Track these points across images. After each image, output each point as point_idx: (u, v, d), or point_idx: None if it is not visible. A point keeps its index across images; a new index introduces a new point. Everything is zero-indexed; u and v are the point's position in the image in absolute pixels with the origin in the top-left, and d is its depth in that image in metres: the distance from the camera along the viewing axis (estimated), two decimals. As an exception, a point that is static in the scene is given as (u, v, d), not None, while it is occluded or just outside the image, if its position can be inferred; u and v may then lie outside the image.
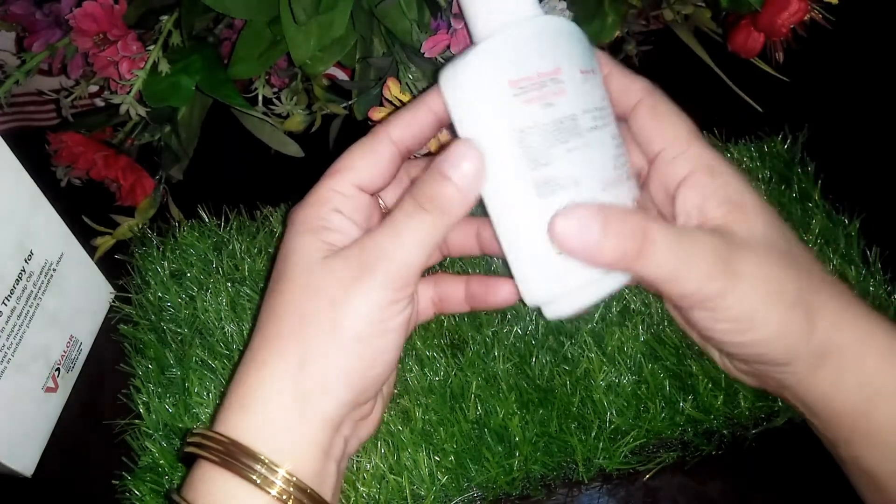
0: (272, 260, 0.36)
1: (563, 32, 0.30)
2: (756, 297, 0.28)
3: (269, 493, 0.28)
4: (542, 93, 0.28)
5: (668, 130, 0.31)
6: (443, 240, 0.30)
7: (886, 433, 0.29)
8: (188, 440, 0.30)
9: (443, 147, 0.31)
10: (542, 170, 0.28)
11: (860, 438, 0.29)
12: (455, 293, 0.35)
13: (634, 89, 0.32)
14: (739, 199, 0.30)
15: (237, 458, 0.28)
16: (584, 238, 0.27)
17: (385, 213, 0.34)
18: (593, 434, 0.37)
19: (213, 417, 0.30)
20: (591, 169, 0.29)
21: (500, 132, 0.28)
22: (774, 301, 0.28)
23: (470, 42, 0.32)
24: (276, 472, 0.28)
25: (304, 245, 0.30)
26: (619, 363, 0.39)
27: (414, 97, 0.39)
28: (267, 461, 0.28)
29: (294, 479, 0.28)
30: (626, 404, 0.37)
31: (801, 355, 0.29)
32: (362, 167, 0.31)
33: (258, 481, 0.28)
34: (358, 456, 0.36)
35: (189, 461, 0.30)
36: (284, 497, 0.28)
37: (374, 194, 0.32)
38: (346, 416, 0.30)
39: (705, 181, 0.30)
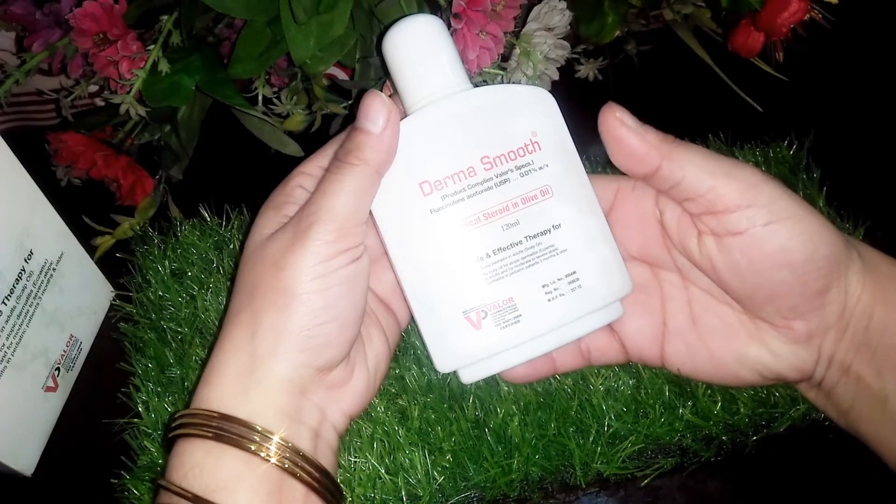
0: None
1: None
2: (793, 199, 0.31)
3: (268, 460, 0.28)
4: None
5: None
6: (374, 189, 0.31)
7: None
8: (173, 424, 0.30)
9: None
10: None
11: None
12: None
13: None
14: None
15: (226, 430, 0.28)
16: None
17: None
18: (591, 438, 0.36)
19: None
20: None
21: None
22: (809, 209, 0.31)
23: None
24: (270, 438, 0.29)
25: (262, 221, 0.32)
26: (617, 367, 0.38)
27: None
28: (261, 429, 0.29)
29: (290, 444, 0.29)
30: (624, 409, 0.37)
31: (844, 261, 0.31)
32: (332, 151, 0.33)
33: (254, 449, 0.28)
34: (354, 456, 0.36)
35: (170, 449, 0.31)
36: (283, 462, 0.28)
37: None
38: (309, 379, 0.30)
39: None
